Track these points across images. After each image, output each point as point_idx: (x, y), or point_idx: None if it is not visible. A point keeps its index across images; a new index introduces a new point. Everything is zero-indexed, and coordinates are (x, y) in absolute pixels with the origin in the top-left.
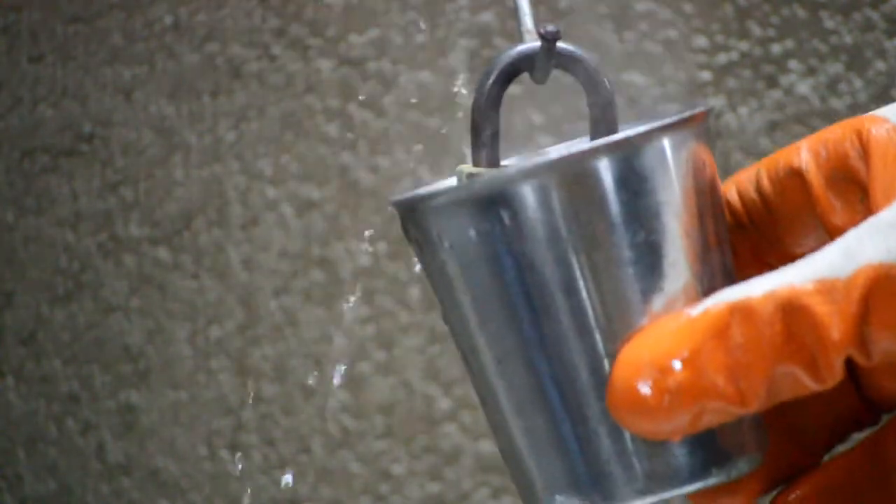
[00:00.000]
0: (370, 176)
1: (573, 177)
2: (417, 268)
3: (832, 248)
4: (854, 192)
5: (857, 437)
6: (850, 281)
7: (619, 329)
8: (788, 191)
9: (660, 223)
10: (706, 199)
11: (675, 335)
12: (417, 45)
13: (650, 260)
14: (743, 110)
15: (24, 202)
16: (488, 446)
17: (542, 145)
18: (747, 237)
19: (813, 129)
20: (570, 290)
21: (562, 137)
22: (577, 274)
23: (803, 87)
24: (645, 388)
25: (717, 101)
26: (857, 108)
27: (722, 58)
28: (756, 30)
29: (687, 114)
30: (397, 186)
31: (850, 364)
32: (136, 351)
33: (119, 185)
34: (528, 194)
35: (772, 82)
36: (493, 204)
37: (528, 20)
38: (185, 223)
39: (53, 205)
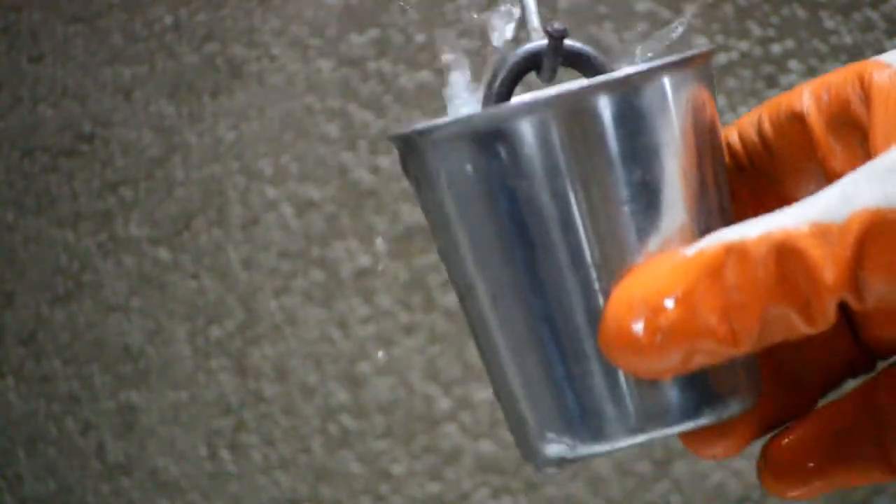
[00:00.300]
0: (370, 176)
1: (572, 113)
2: (417, 267)
3: (829, 191)
4: (854, 136)
5: (852, 384)
6: (846, 225)
7: (614, 267)
8: (789, 134)
9: (657, 162)
10: (705, 141)
11: (669, 274)
12: (417, 45)
13: (647, 199)
14: (743, 110)
15: (24, 202)
16: (488, 446)
17: None
18: (747, 180)
19: None
20: (566, 226)
21: None
22: (574, 211)
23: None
24: (637, 327)
25: (716, 101)
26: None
27: (722, 58)
28: (756, 30)
29: (688, 54)
30: (397, 186)
31: (846, 310)
32: (136, 351)
33: (119, 185)
34: (526, 129)
35: (772, 82)
36: (492, 139)
37: (534, 18)
38: (185, 223)
39: (53, 205)
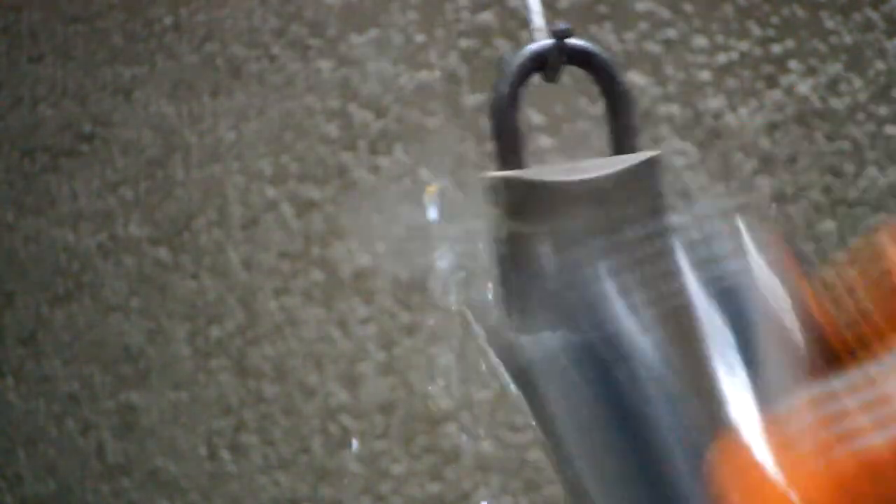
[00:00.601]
0: (370, 176)
1: (648, 256)
2: (417, 267)
3: None
4: None
5: None
6: None
7: (714, 443)
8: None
9: (752, 337)
10: (795, 315)
11: (800, 486)
12: (417, 45)
13: (746, 374)
14: (743, 110)
15: (24, 202)
16: (488, 446)
17: (542, 146)
18: (838, 337)
19: (813, 130)
20: (667, 410)
21: (561, 138)
22: (671, 398)
23: (803, 87)
24: None
25: (717, 102)
26: (857, 108)
27: (722, 58)
28: (756, 30)
29: (783, 254)
30: (397, 186)
31: None
32: (136, 351)
33: (119, 185)
34: (641, 345)
35: (772, 82)
36: (605, 352)
37: (537, 19)
38: (185, 223)
39: (53, 205)
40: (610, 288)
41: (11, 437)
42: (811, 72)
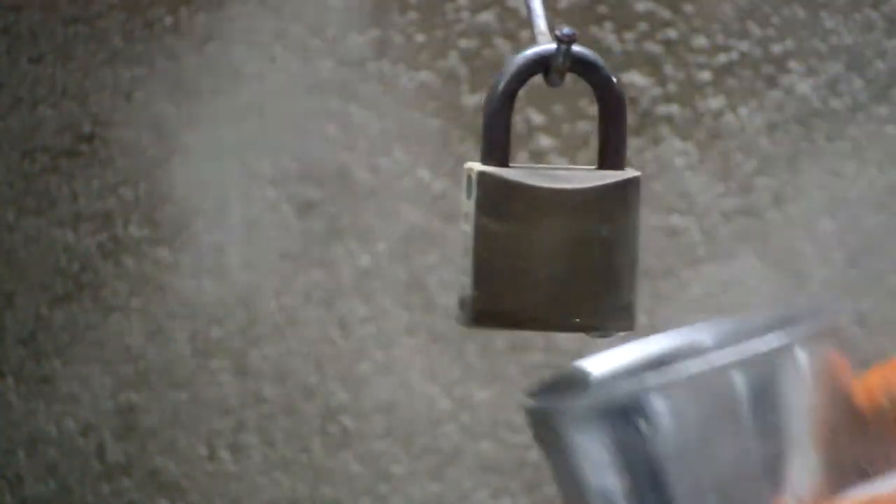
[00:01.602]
0: (370, 176)
1: (708, 389)
2: (417, 267)
3: None
4: None
5: None
6: None
7: None
8: None
9: (793, 432)
10: (838, 405)
11: None
12: (417, 45)
13: (782, 468)
14: (743, 110)
15: (24, 202)
16: (488, 446)
17: (542, 145)
18: (874, 440)
19: (813, 130)
20: (701, 499)
21: (561, 137)
22: (708, 483)
23: (803, 87)
24: None
25: (717, 102)
26: (857, 108)
27: (722, 58)
28: (756, 30)
29: (821, 322)
30: (397, 186)
31: None
32: (136, 351)
33: (119, 186)
34: (664, 405)
35: (772, 82)
36: (630, 412)
37: (541, 22)
38: (185, 223)
39: (53, 205)
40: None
41: (11, 437)
42: (811, 72)
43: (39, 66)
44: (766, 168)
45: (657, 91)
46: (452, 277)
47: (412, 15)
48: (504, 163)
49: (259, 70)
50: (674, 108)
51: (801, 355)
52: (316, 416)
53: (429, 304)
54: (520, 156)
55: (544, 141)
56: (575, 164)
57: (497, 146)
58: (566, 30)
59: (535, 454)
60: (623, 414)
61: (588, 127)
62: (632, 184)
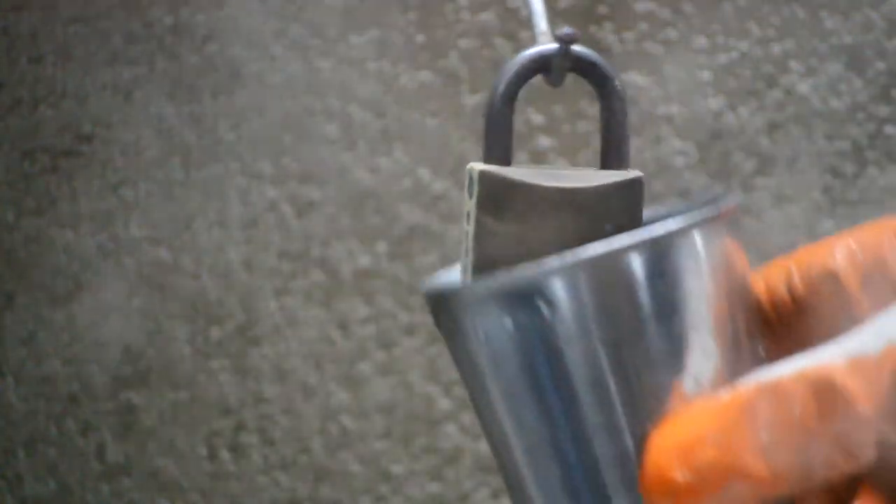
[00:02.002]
0: (370, 176)
1: (609, 273)
2: (417, 267)
3: (863, 328)
4: (889, 292)
5: None
6: (881, 356)
7: (650, 419)
8: (821, 290)
9: (692, 315)
10: (737, 289)
11: (705, 416)
12: (417, 45)
13: (682, 351)
14: (743, 110)
15: (24, 202)
16: (488, 446)
17: (542, 145)
18: (774, 332)
19: (813, 130)
20: (603, 382)
21: (561, 137)
22: (611, 366)
23: (803, 87)
24: (675, 470)
25: (717, 102)
26: (857, 108)
27: (722, 58)
28: (756, 30)
29: (719, 207)
30: (397, 186)
31: None
32: (136, 351)
33: (119, 186)
34: (565, 287)
35: (772, 82)
36: (532, 297)
37: (542, 22)
38: (185, 223)
39: (53, 205)
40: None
41: (11, 437)
42: (811, 72)
43: (39, 66)
44: (766, 168)
45: (657, 91)
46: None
47: (412, 15)
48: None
49: (259, 70)
50: (674, 108)
51: (699, 240)
52: (316, 416)
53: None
54: (520, 156)
55: (544, 141)
56: (575, 164)
57: (499, 145)
58: (567, 29)
59: None
60: (522, 296)
61: (588, 127)
62: (636, 184)
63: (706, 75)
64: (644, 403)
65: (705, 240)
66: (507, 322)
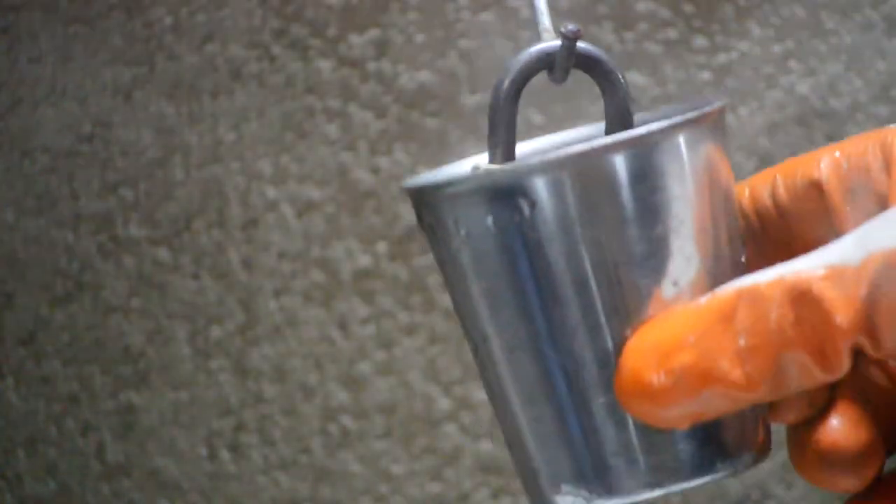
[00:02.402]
0: (370, 176)
1: (591, 171)
2: (417, 267)
3: (845, 238)
4: (872, 204)
5: None
6: (860, 267)
7: (628, 322)
8: (805, 201)
9: (673, 218)
10: (719, 196)
11: (683, 321)
12: (417, 45)
13: (661, 254)
14: (743, 110)
15: (24, 202)
16: (488, 446)
17: None
18: (756, 243)
19: (813, 130)
20: (584, 282)
21: None
22: (588, 266)
23: (803, 87)
24: (650, 373)
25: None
26: (857, 108)
27: (722, 58)
28: (756, 30)
29: (703, 110)
30: (397, 186)
31: None
32: (136, 351)
33: (119, 186)
34: (547, 186)
35: (772, 82)
36: (514, 194)
37: (545, 19)
38: (185, 224)
39: (53, 205)
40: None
41: (11, 437)
42: (811, 72)
43: (39, 66)
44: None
45: (657, 91)
46: None
47: (412, 15)
48: (510, 159)
49: (259, 70)
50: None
51: (683, 142)
52: (316, 416)
53: (429, 304)
54: None
55: None
56: None
57: (502, 143)
58: (571, 26)
59: None
60: (504, 194)
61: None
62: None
63: (706, 75)
64: (624, 305)
65: (689, 143)
66: (489, 220)
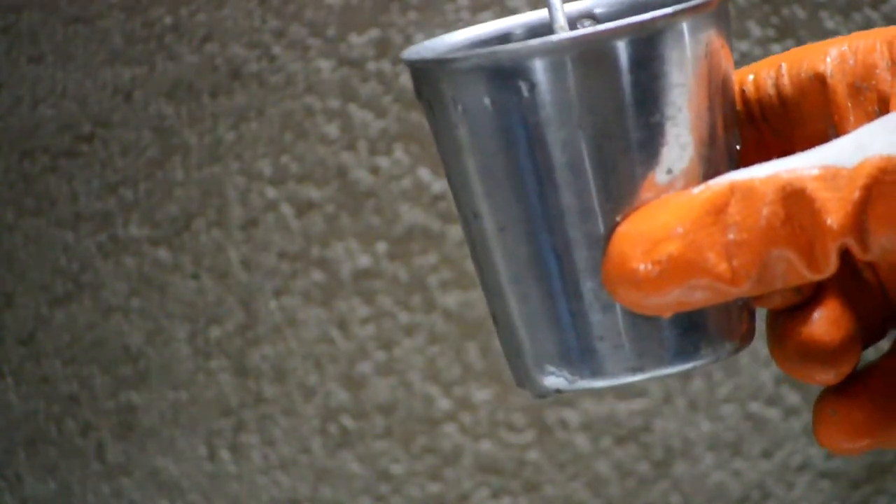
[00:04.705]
0: (370, 176)
1: (593, 55)
2: (417, 267)
3: (843, 140)
4: (874, 103)
5: None
6: (856, 170)
7: (620, 207)
8: (808, 93)
9: (671, 106)
10: (718, 86)
11: (673, 211)
12: None
13: (658, 141)
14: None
15: (24, 202)
16: (488, 446)
17: None
18: (756, 130)
19: None
20: (578, 166)
21: None
22: (587, 150)
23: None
24: (637, 260)
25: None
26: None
27: None
28: (756, 30)
29: (708, 5)
30: (397, 186)
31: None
32: (136, 351)
33: (119, 186)
34: (547, 68)
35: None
36: (513, 75)
37: (561, 17)
38: (185, 223)
39: (53, 205)
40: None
41: (11, 437)
42: None
43: (39, 66)
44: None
45: None
46: (453, 277)
47: (412, 15)
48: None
49: (259, 70)
50: None
51: (686, 30)
52: (316, 416)
53: (429, 304)
54: None
55: None
56: None
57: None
58: (587, 23)
59: (535, 454)
60: (504, 74)
61: None
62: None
63: None
64: (617, 191)
65: (692, 31)
66: (487, 99)
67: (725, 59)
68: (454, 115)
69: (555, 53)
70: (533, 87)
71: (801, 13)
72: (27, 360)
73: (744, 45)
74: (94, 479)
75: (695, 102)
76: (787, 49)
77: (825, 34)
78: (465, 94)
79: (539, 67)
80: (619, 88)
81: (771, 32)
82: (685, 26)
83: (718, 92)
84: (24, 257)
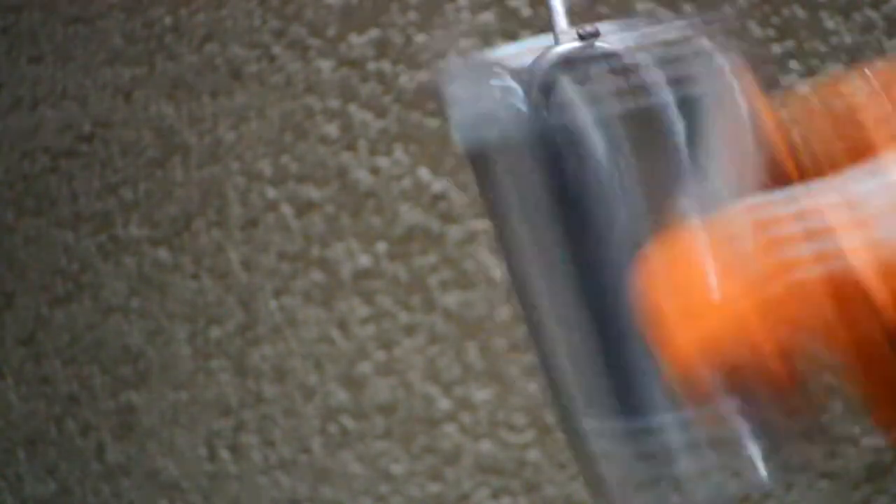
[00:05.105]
0: (370, 176)
1: (639, 125)
2: (417, 267)
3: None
4: None
5: None
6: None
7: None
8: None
9: (711, 142)
10: (747, 121)
11: (726, 315)
12: (417, 45)
13: (699, 176)
14: None
15: (24, 203)
16: (488, 446)
17: None
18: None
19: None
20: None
21: None
22: (621, 181)
23: (803, 87)
24: (698, 371)
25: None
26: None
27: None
28: (756, 30)
29: (747, 76)
30: (397, 186)
31: None
32: (136, 351)
33: (119, 186)
34: (596, 133)
35: (772, 82)
36: (561, 142)
37: (562, 20)
38: (185, 224)
39: (53, 205)
40: (569, 85)
41: (11, 437)
42: (811, 72)
43: (39, 66)
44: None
45: None
46: (452, 277)
47: (412, 15)
48: None
49: (259, 70)
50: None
51: (720, 62)
52: (316, 416)
53: (429, 304)
54: None
55: None
56: None
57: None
58: (588, 27)
59: (534, 454)
60: (556, 143)
61: None
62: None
63: None
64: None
65: (726, 65)
66: (537, 167)
67: (754, 89)
68: (503, 185)
69: (602, 121)
70: (582, 158)
71: (801, 13)
72: (27, 360)
73: (744, 45)
74: (94, 479)
75: (727, 138)
76: (787, 49)
77: (825, 34)
78: (512, 163)
79: (587, 133)
80: (663, 153)
81: (771, 32)
82: (718, 57)
83: (750, 126)
84: (24, 257)
